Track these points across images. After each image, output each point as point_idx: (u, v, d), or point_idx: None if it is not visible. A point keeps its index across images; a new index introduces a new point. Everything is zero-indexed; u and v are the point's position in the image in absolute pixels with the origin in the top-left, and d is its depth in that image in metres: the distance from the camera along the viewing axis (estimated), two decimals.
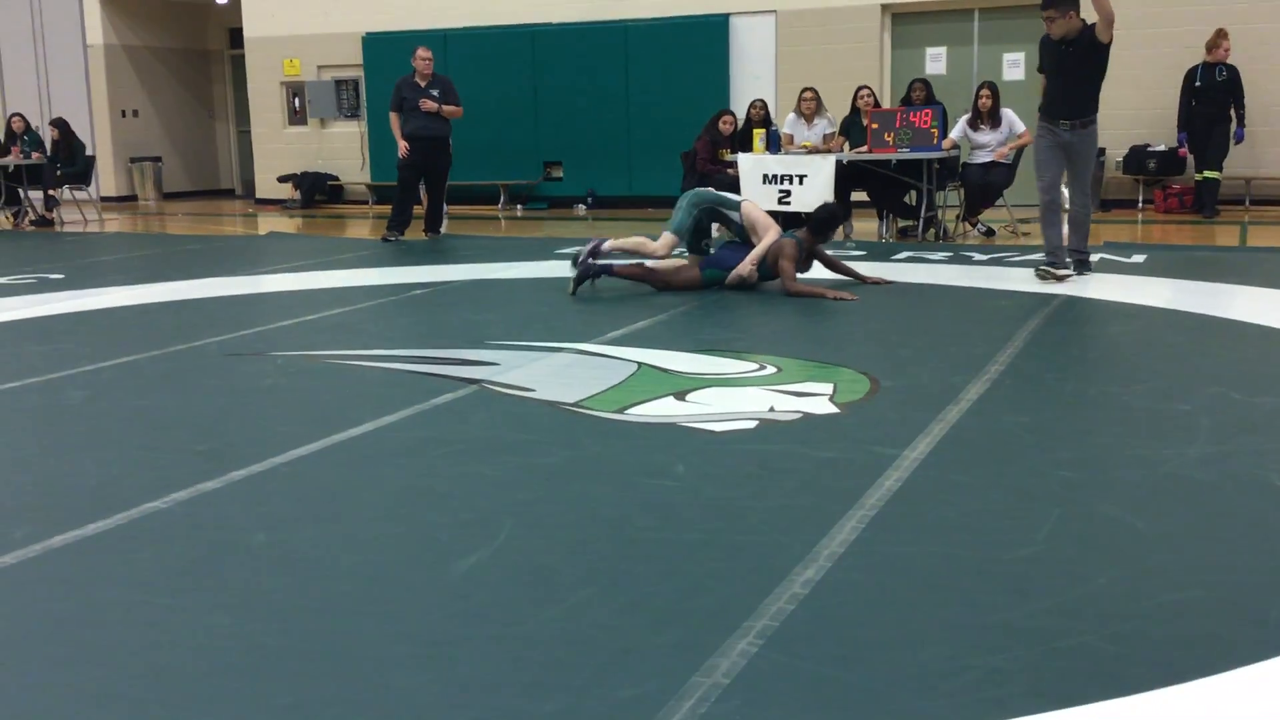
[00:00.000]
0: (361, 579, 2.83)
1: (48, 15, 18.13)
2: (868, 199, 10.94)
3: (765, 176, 10.18)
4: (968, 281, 7.61)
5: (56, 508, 3.42)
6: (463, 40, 15.06)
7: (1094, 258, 7.97)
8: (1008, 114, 10.19)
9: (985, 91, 10.17)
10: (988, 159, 10.08)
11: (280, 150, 16.71)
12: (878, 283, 7.41)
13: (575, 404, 4.50)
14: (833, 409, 4.36)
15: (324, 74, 16.38)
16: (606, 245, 7.39)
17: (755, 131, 10.70)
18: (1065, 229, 7.61)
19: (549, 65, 14.79)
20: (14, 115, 14.62)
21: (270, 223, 14.05)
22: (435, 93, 10.85)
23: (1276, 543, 2.97)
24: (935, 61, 13.43)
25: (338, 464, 3.82)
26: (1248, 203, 12.08)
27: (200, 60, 19.28)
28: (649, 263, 7.50)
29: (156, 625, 2.60)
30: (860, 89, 10.82)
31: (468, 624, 2.56)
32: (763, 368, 5.10)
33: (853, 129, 10.69)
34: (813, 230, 7.31)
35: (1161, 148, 12.18)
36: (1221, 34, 11.40)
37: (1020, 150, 10.17)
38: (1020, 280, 7.51)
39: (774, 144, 10.67)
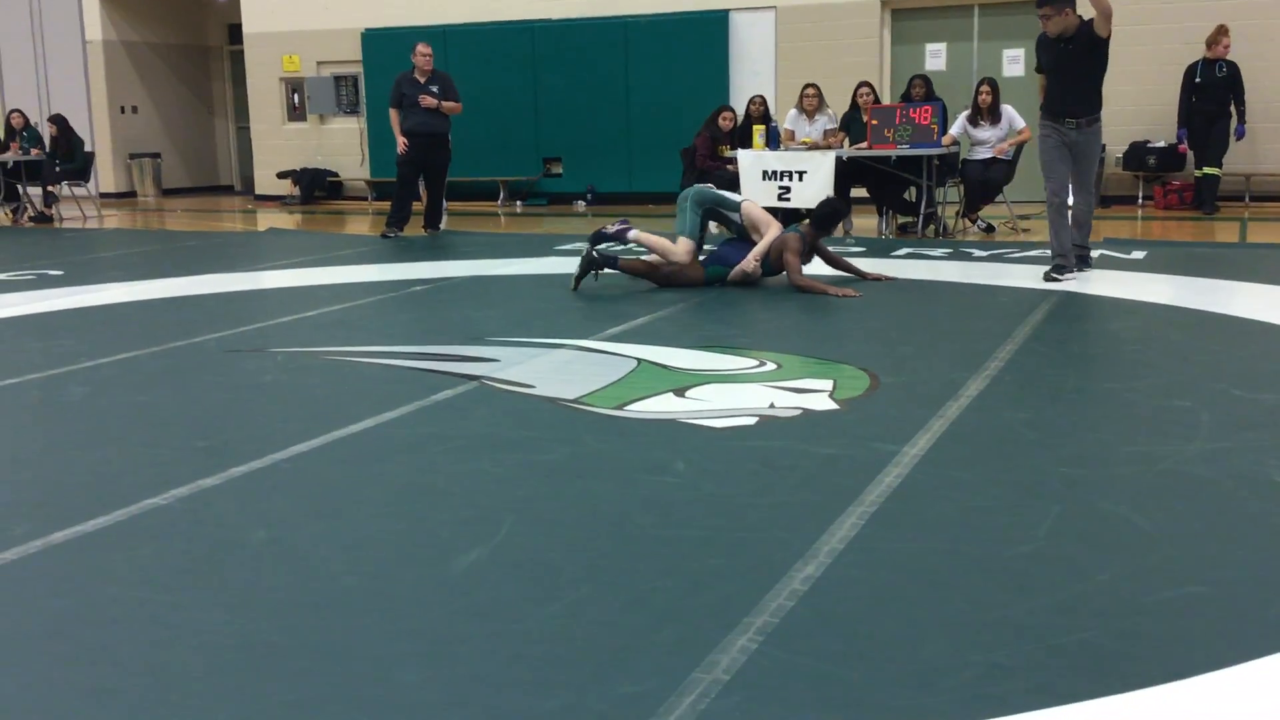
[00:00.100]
0: (362, 576, 2.83)
1: (47, 11, 18.12)
2: (868, 195, 10.94)
3: (765, 173, 10.18)
4: (968, 278, 7.61)
5: (57, 504, 3.42)
6: (462, 36, 15.04)
7: (1094, 254, 7.96)
8: (1007, 110, 10.18)
9: (985, 88, 10.17)
10: (987, 155, 10.08)
11: (280, 146, 16.70)
12: (878, 278, 7.42)
13: (575, 400, 4.50)
14: (833, 405, 4.36)
15: (323, 70, 16.36)
16: (632, 235, 7.36)
17: (755, 128, 10.69)
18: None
19: (549, 61, 14.78)
20: (13, 111, 14.61)
21: (270, 219, 14.04)
22: (435, 89, 10.84)
23: (1277, 539, 2.97)
24: (935, 58, 13.42)
25: (338, 461, 3.82)
26: (1247, 199, 12.07)
27: (199, 56, 19.26)
28: (669, 258, 7.37)
29: (157, 621, 2.60)
30: (860, 86, 10.81)
31: (468, 621, 2.56)
32: (763, 364, 5.09)
33: (853, 125, 10.68)
34: (815, 225, 7.33)
35: (1161, 144, 12.18)
36: (1222, 30, 11.39)
37: (1020, 147, 10.17)
38: (1020, 276, 7.51)
39: (773, 140, 10.66)
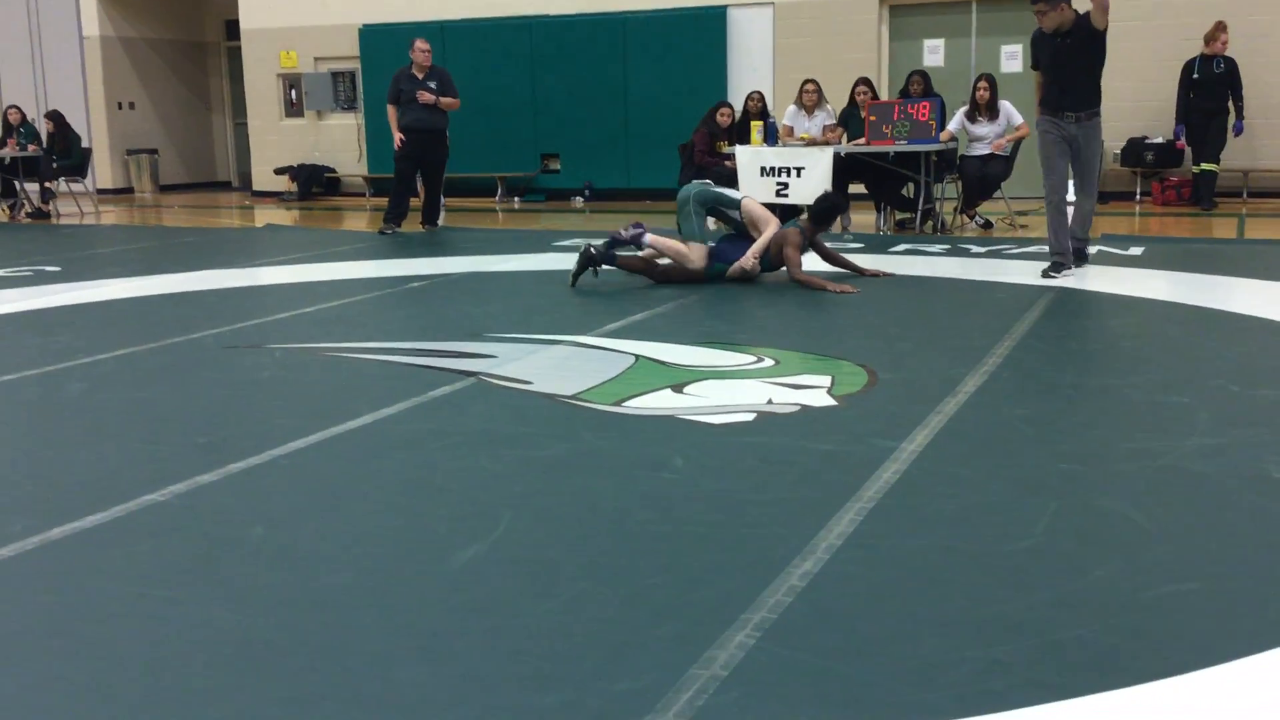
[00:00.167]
0: (360, 572, 2.83)
1: (44, 7, 18.10)
2: (866, 191, 10.93)
3: (763, 169, 10.17)
4: (966, 274, 7.61)
5: (54, 500, 3.41)
6: (460, 32, 15.03)
7: (1092, 249, 7.96)
8: (1005, 106, 10.18)
9: (983, 84, 10.17)
10: (985, 151, 10.08)
11: (277, 142, 16.69)
12: (876, 274, 7.42)
13: (573, 396, 4.50)
14: (831, 401, 4.36)
15: (321, 66, 16.34)
16: (648, 238, 7.33)
17: (753, 124, 10.68)
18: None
19: (547, 57, 14.77)
20: (10, 107, 14.60)
21: (267, 215, 14.03)
22: (432, 85, 10.83)
23: (1275, 535, 2.97)
24: (933, 54, 13.42)
25: (336, 456, 3.82)
26: (1245, 195, 12.08)
27: (196, 52, 19.23)
28: (686, 264, 7.33)
29: (155, 618, 2.59)
30: (858, 85, 10.80)
31: (466, 617, 2.56)
32: (761, 360, 5.09)
33: (851, 121, 10.68)
34: (813, 219, 7.35)
35: (1159, 140, 12.18)
36: (1220, 26, 11.39)
37: (1018, 142, 10.16)
38: (1018, 272, 7.51)
39: (771, 136, 10.66)
